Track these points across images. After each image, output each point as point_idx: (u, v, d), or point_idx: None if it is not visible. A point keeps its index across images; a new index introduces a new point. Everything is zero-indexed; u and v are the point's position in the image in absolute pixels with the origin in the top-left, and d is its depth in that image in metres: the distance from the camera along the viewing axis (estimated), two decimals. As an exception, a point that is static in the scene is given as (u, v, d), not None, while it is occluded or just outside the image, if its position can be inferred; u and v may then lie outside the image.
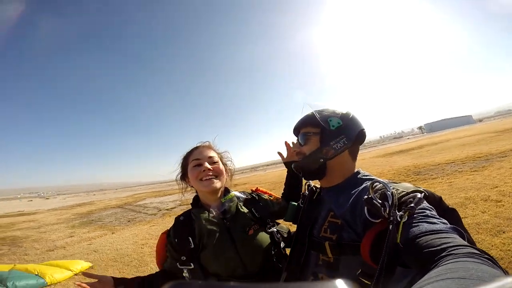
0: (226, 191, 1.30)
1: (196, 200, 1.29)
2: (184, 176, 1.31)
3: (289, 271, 1.05)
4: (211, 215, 1.19)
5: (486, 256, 0.47)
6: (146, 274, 3.97)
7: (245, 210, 1.25)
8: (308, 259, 1.00)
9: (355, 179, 0.98)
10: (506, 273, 0.44)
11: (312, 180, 1.13)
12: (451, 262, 0.46)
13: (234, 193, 1.31)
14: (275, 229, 1.24)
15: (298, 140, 1.09)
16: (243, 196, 1.32)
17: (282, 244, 1.24)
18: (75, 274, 4.53)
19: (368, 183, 0.86)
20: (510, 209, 4.22)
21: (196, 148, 1.29)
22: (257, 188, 1.45)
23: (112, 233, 8.34)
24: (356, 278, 0.78)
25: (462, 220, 0.86)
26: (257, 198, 1.33)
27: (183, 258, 1.13)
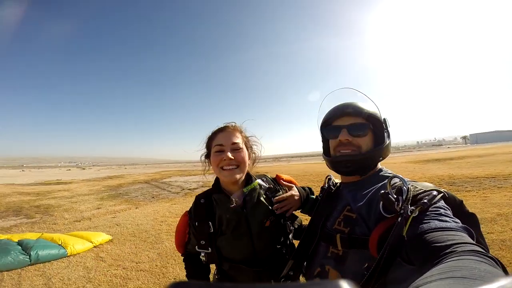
0: (249, 178, 1.26)
1: (217, 184, 1.26)
2: (208, 155, 1.27)
3: (295, 260, 1.06)
4: (232, 204, 1.16)
5: (490, 255, 0.47)
6: (160, 251, 4.06)
7: (266, 201, 1.24)
8: (317, 250, 1.01)
9: (377, 176, 0.97)
10: (506, 272, 0.44)
11: (350, 176, 1.03)
12: (454, 260, 0.46)
13: (258, 181, 1.26)
14: (289, 221, 1.27)
15: (346, 129, 0.97)
16: (266, 186, 1.28)
17: (290, 235, 1.28)
18: (95, 246, 4.77)
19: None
20: (543, 230, 4.01)
21: (221, 130, 1.22)
22: (278, 175, 1.41)
23: (136, 208, 8.72)
24: (362, 273, 0.78)
25: (488, 235, 0.79)
26: (278, 189, 1.32)
27: (202, 242, 1.15)
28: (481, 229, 0.82)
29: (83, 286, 3.33)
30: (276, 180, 1.37)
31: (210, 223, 1.15)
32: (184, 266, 1.31)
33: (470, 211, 0.83)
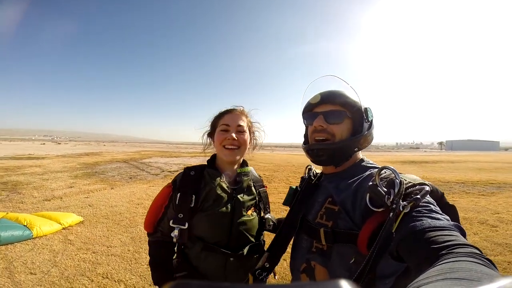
0: (244, 162, 1.33)
1: (213, 161, 1.30)
2: (211, 134, 1.31)
3: (271, 252, 1.04)
4: (223, 181, 1.20)
5: (486, 257, 0.47)
6: (134, 235, 3.90)
7: (254, 191, 1.29)
8: (299, 243, 0.99)
9: (359, 166, 0.96)
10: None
11: (324, 166, 1.04)
12: (452, 261, 0.45)
13: (251, 168, 1.33)
14: (269, 216, 1.30)
15: (322, 116, 0.96)
16: (256, 176, 1.36)
17: (264, 231, 1.30)
18: (63, 228, 4.57)
19: (374, 170, 0.86)
20: (503, 235, 4.38)
21: (229, 111, 1.27)
22: (266, 186, 1.45)
23: (111, 188, 8.47)
24: (350, 268, 0.77)
25: None
26: (262, 184, 1.37)
27: (181, 215, 1.12)
28: None
29: (48, 271, 3.17)
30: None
31: (194, 196, 1.14)
32: (148, 251, 1.25)
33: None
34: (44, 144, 60.89)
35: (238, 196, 1.20)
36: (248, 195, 1.24)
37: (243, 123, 1.25)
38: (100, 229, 4.64)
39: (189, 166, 1.26)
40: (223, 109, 1.29)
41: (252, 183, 1.30)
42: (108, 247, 3.90)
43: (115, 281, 3.02)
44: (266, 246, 1.12)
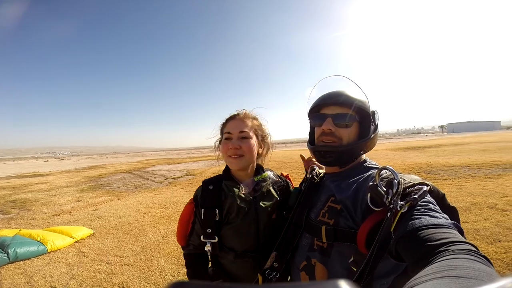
0: (260, 168, 1.28)
1: (228, 171, 1.25)
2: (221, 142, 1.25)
3: (279, 251, 1.05)
4: (242, 192, 1.18)
5: (482, 254, 0.47)
6: (144, 243, 3.97)
7: (275, 194, 1.24)
8: (300, 241, 1.00)
9: (361, 167, 0.97)
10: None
11: (330, 166, 1.04)
12: (449, 259, 0.46)
13: (268, 173, 1.29)
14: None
15: (331, 118, 0.95)
16: (274, 179, 1.30)
17: None
18: (76, 241, 4.67)
19: (375, 171, 0.86)
20: (514, 219, 4.22)
21: (232, 117, 1.21)
22: (287, 175, 1.43)
23: (118, 199, 8.56)
24: (349, 267, 0.78)
25: (463, 224, 0.80)
26: (286, 184, 1.33)
27: (209, 230, 1.13)
28: None
29: (66, 283, 3.27)
30: (281, 175, 1.40)
31: (217, 210, 1.13)
32: (185, 263, 1.27)
33: (451, 204, 0.85)
34: (47, 161, 61.05)
35: (260, 203, 1.18)
36: (269, 200, 1.21)
37: (246, 128, 1.17)
38: (111, 240, 4.73)
39: (207, 179, 1.25)
40: (228, 115, 1.24)
41: (271, 187, 1.25)
42: (120, 257, 3.99)
43: (130, 289, 3.10)
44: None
